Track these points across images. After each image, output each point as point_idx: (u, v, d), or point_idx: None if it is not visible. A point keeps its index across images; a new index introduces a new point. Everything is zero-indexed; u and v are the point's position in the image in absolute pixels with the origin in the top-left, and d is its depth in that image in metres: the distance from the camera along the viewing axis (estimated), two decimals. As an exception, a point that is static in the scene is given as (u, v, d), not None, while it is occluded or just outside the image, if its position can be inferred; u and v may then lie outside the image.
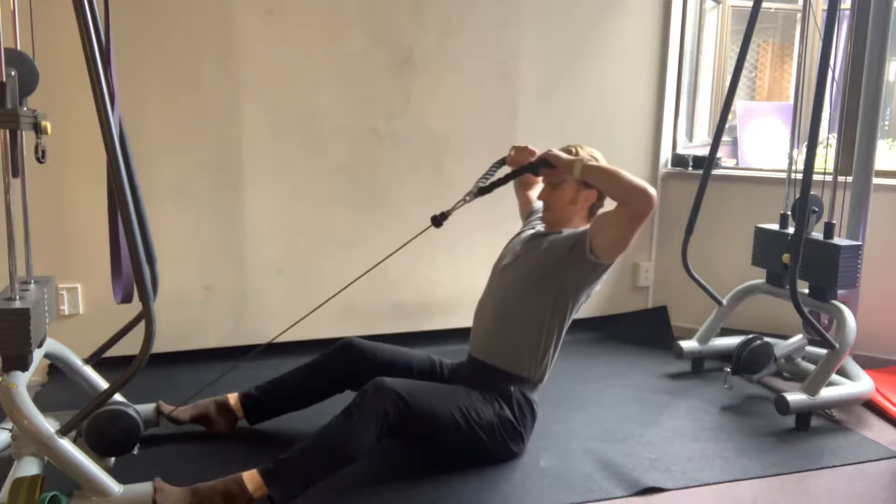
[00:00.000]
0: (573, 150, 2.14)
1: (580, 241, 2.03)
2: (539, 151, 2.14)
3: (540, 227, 2.28)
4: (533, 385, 2.13)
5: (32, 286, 1.85)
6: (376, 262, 2.17)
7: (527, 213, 2.47)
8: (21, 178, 1.84)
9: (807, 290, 2.66)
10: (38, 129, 1.78)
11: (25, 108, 1.74)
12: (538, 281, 2.09)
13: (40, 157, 1.82)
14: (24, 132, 1.72)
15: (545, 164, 2.08)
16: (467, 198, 2.06)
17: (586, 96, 3.25)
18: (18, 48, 1.82)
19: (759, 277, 2.92)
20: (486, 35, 3.04)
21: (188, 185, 2.76)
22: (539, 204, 2.40)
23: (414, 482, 1.97)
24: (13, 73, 1.67)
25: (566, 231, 2.13)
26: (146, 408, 2.16)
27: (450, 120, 3.05)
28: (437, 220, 2.05)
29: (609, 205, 2.14)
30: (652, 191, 1.89)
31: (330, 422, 1.84)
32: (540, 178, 2.32)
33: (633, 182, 1.91)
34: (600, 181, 2.00)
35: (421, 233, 2.13)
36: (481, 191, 2.09)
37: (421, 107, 3.00)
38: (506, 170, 2.21)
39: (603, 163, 2.15)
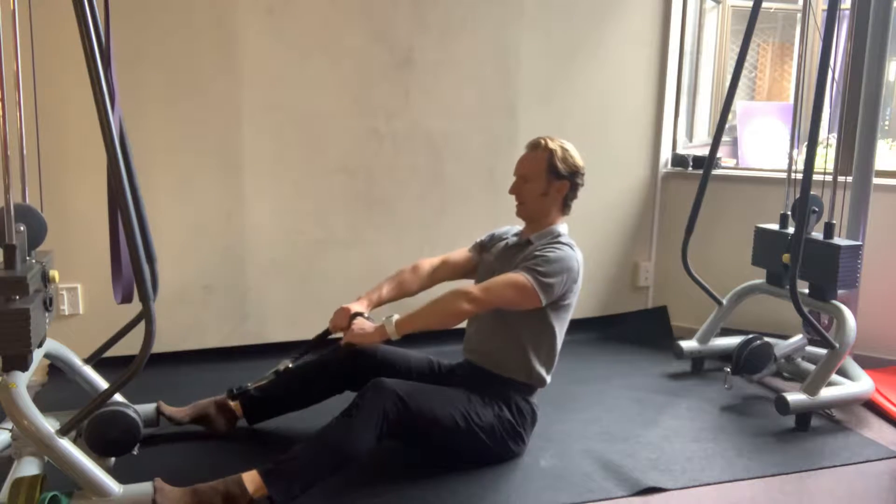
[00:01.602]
0: (542, 142, 2.11)
1: None
2: (356, 306, 2.10)
3: (512, 238, 2.24)
4: (533, 389, 2.13)
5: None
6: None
7: (471, 265, 2.32)
8: (22, 179, 1.84)
9: (807, 290, 2.66)
10: (45, 279, 1.78)
11: (33, 261, 1.74)
12: None
13: (48, 305, 1.81)
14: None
15: (353, 346, 2.05)
16: (269, 376, 2.08)
17: (586, 96, 3.25)
18: (18, 49, 1.82)
19: (759, 277, 2.92)
20: (486, 35, 3.04)
21: (188, 185, 2.76)
22: (480, 239, 2.35)
23: (414, 482, 1.97)
24: (22, 229, 1.67)
25: (532, 247, 2.09)
26: (146, 408, 2.16)
27: (450, 120, 3.05)
28: (235, 396, 2.16)
29: (582, 193, 2.16)
30: (455, 308, 1.97)
31: (330, 422, 1.84)
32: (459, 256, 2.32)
33: (444, 315, 1.99)
34: (422, 326, 2.00)
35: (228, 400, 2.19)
36: (287, 370, 2.06)
37: (421, 107, 3.00)
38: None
39: (572, 153, 2.11)
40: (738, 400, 2.64)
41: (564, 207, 2.15)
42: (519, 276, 1.97)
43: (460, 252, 2.34)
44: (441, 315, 1.99)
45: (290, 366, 2.07)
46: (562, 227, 2.14)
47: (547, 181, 2.09)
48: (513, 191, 2.14)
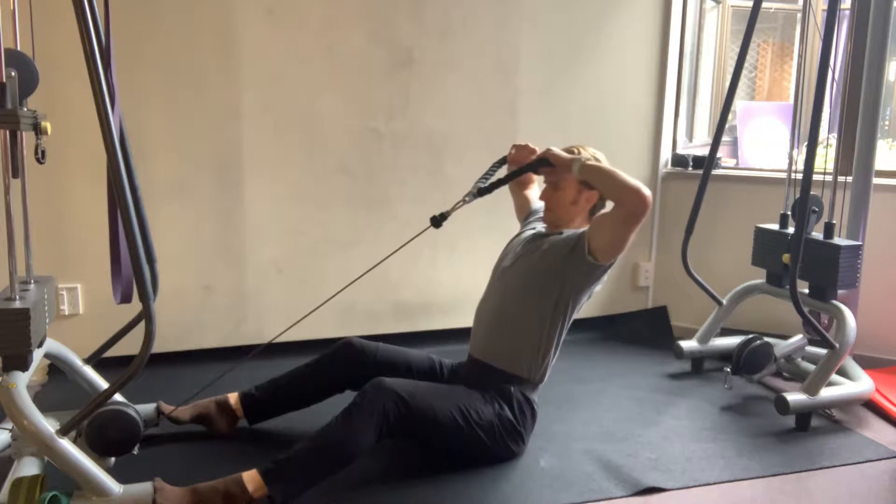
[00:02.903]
0: (575, 151, 2.14)
1: (579, 243, 2.03)
2: (539, 150, 2.14)
3: (540, 227, 2.28)
4: (533, 385, 2.13)
5: (32, 286, 1.85)
6: (375, 263, 2.16)
7: (525, 212, 2.45)
8: (21, 178, 1.84)
9: (807, 290, 2.66)
10: (37, 129, 1.78)
11: (25, 109, 1.74)
12: (538, 283, 2.08)
13: (40, 157, 1.83)
14: (24, 133, 1.72)
15: (545, 163, 2.07)
16: (467, 198, 2.06)
17: (586, 96, 3.25)
18: (18, 48, 1.83)
19: (759, 277, 2.92)
20: (486, 35, 3.04)
21: (188, 185, 2.76)
22: (538, 204, 2.40)
23: (414, 482, 1.97)
24: (13, 74, 1.68)
25: (566, 232, 2.13)
26: (146, 408, 2.16)
27: (450, 120, 3.05)
28: (437, 221, 2.06)
29: (610, 206, 2.14)
30: (646, 192, 1.89)
31: (330, 422, 1.84)
32: (535, 178, 2.31)
33: (629, 182, 1.91)
34: (598, 180, 2.00)
35: (420, 233, 2.13)
36: (481, 191, 2.08)
37: (421, 107, 3.00)
38: (505, 169, 2.21)
39: (605, 163, 2.15)
40: (738, 400, 2.64)
41: (590, 217, 2.17)
42: None
43: (533, 197, 2.45)
44: (621, 183, 1.91)
45: (483, 186, 2.08)
46: None
47: (577, 190, 2.12)
48: (543, 197, 2.18)
